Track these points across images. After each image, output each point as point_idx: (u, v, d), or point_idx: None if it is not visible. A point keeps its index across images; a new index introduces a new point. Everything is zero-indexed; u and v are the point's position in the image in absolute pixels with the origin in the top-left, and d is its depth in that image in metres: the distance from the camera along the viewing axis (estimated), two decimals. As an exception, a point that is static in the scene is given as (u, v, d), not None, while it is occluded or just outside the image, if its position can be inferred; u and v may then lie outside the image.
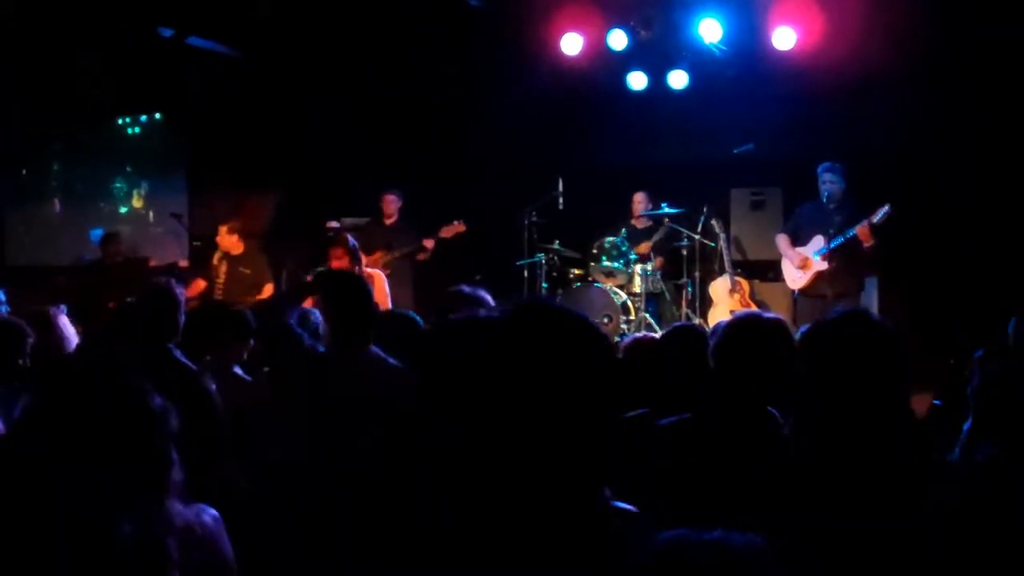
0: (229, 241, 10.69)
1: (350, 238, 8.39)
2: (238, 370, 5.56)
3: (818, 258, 9.26)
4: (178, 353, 4.88)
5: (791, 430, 3.41)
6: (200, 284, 10.32)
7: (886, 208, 8.88)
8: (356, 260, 8.26)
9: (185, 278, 10.42)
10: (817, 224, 9.35)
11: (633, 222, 11.22)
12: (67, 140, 13.36)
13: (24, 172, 13.32)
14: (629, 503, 2.12)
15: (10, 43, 10.53)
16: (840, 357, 2.85)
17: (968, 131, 10.14)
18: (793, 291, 9.72)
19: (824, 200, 9.28)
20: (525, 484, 1.84)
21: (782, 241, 9.66)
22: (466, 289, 5.11)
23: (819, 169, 9.34)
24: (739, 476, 3.11)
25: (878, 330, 2.98)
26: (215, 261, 10.83)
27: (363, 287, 4.86)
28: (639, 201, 11.20)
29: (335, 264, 8.21)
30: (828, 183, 9.27)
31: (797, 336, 4.07)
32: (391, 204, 10.91)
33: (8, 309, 6.85)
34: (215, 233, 10.95)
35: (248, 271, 10.70)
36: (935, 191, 10.24)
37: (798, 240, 9.53)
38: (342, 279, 5.21)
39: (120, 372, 2.48)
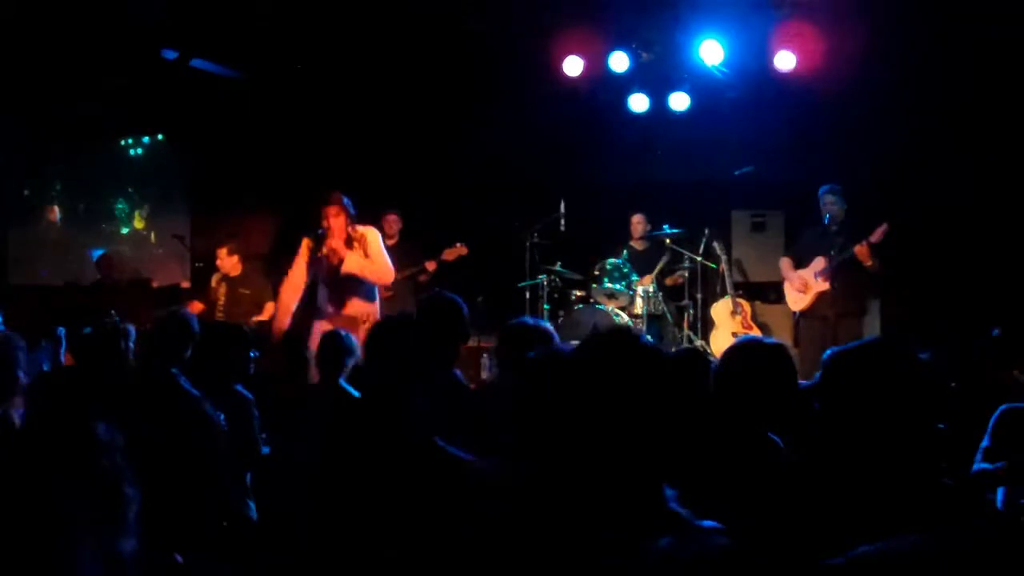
0: (229, 263, 10.72)
1: (343, 197, 8.34)
2: (240, 388, 5.54)
3: (819, 279, 9.27)
4: (183, 379, 4.87)
5: (797, 457, 3.41)
6: (197, 306, 10.30)
7: (884, 227, 8.91)
8: (351, 219, 8.29)
9: (184, 300, 10.44)
10: (819, 246, 9.38)
11: (632, 243, 11.22)
12: (69, 160, 13.38)
13: (26, 192, 13.33)
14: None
15: (14, 63, 10.55)
16: (863, 387, 2.79)
17: (968, 151, 10.16)
18: (795, 312, 9.71)
19: (826, 222, 9.30)
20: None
21: (785, 264, 9.68)
22: (530, 322, 5.06)
23: (820, 191, 9.38)
24: (738, 502, 3.10)
25: (904, 360, 2.94)
26: (214, 283, 10.86)
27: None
28: (637, 222, 11.22)
29: (331, 223, 8.24)
30: (829, 205, 9.30)
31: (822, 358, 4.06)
32: (392, 225, 10.88)
33: (3, 328, 6.84)
34: (215, 255, 10.99)
35: (247, 292, 10.73)
36: (936, 211, 10.24)
37: (801, 263, 9.54)
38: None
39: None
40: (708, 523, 2.14)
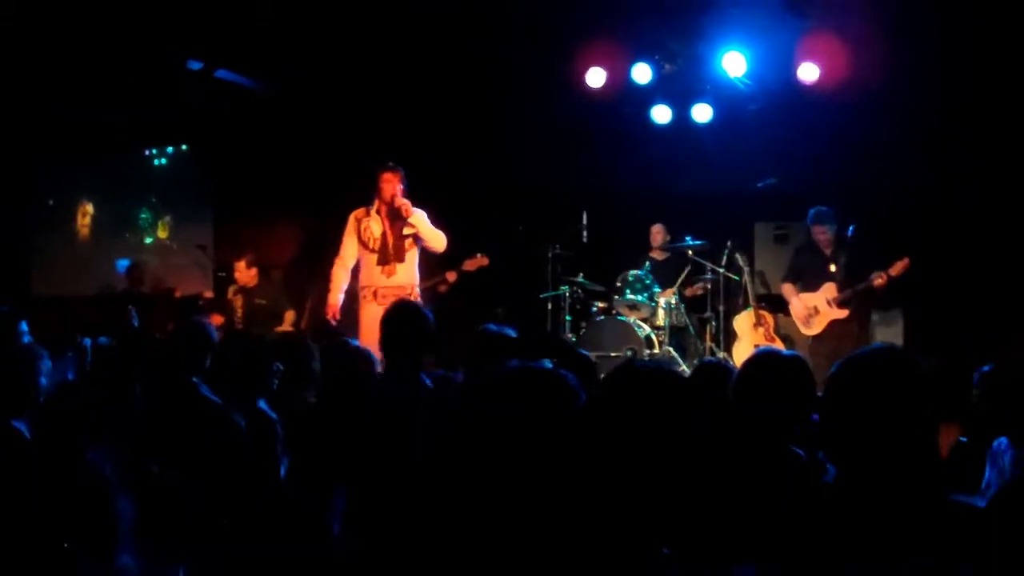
0: (246, 275, 10.78)
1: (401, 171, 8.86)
2: (263, 405, 5.42)
3: (832, 306, 9.30)
4: (204, 388, 4.87)
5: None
6: (217, 319, 10.33)
7: (905, 262, 8.95)
8: (404, 190, 8.80)
9: (205, 310, 10.48)
10: (821, 269, 9.45)
11: (652, 254, 11.21)
12: (93, 171, 13.44)
13: (51, 202, 13.40)
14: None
15: (38, 73, 10.63)
16: (869, 394, 2.79)
17: (995, 166, 10.10)
18: (807, 336, 9.75)
19: (822, 242, 9.40)
20: None
21: (788, 290, 9.73)
22: (493, 328, 5.11)
23: (808, 220, 9.46)
24: (759, 514, 3.08)
25: (908, 366, 2.94)
26: (230, 295, 10.91)
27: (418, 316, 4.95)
28: (657, 232, 11.22)
29: (389, 187, 8.73)
30: (819, 234, 9.40)
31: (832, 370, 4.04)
32: None
33: (30, 340, 6.87)
34: (232, 267, 11.04)
35: (264, 302, 10.77)
36: (961, 221, 10.20)
37: (805, 286, 9.58)
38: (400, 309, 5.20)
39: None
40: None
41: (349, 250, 8.97)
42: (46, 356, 5.70)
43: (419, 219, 8.83)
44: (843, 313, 9.25)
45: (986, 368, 4.88)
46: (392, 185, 8.79)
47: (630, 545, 2.19)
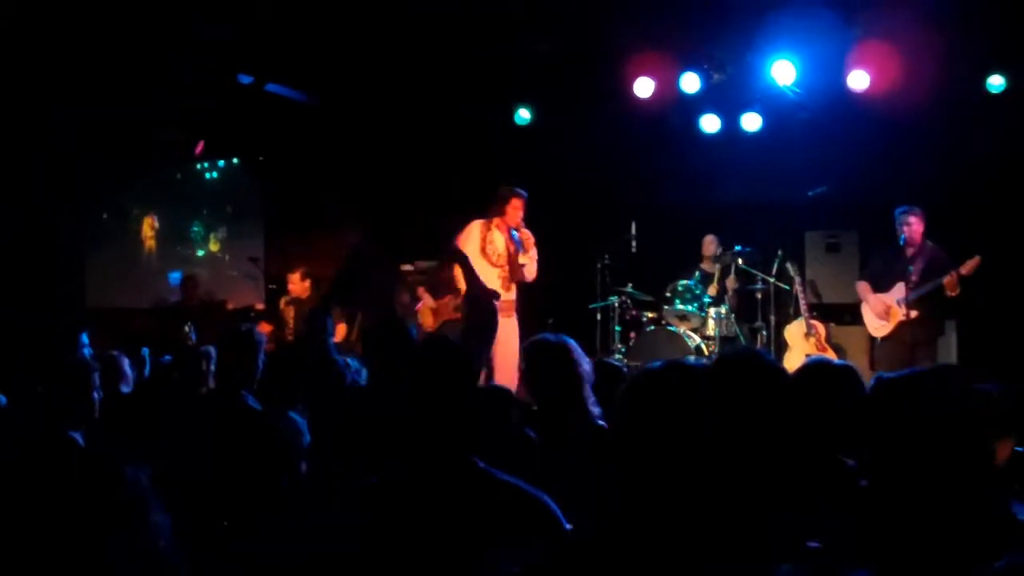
0: (300, 287, 10.87)
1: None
2: (294, 415, 5.45)
3: (901, 306, 9.13)
4: (250, 399, 4.90)
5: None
6: (265, 327, 10.40)
7: (976, 260, 8.78)
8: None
9: (255, 322, 10.56)
10: (896, 270, 9.23)
11: (703, 265, 11.17)
12: (146, 184, 13.59)
13: (104, 216, 13.57)
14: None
15: (93, 90, 10.77)
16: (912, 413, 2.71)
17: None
18: (872, 336, 9.58)
19: (901, 244, 9.16)
20: None
21: (862, 288, 9.54)
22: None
23: (896, 212, 9.23)
24: (807, 524, 3.06)
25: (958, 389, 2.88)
26: (282, 306, 11.00)
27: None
28: (709, 243, 11.18)
29: (514, 212, 9.04)
30: (906, 226, 9.15)
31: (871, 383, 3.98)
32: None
33: (91, 351, 6.98)
34: (286, 279, 11.13)
35: (313, 312, 10.82)
36: (1012, 231, 10.08)
37: (877, 286, 9.40)
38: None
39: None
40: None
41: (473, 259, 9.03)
42: (127, 362, 5.80)
43: (534, 255, 9.11)
44: (912, 315, 9.09)
45: None
46: (519, 212, 9.05)
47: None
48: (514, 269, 9.02)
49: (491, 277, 8.77)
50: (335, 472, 4.30)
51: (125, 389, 5.72)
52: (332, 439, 4.61)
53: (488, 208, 9.13)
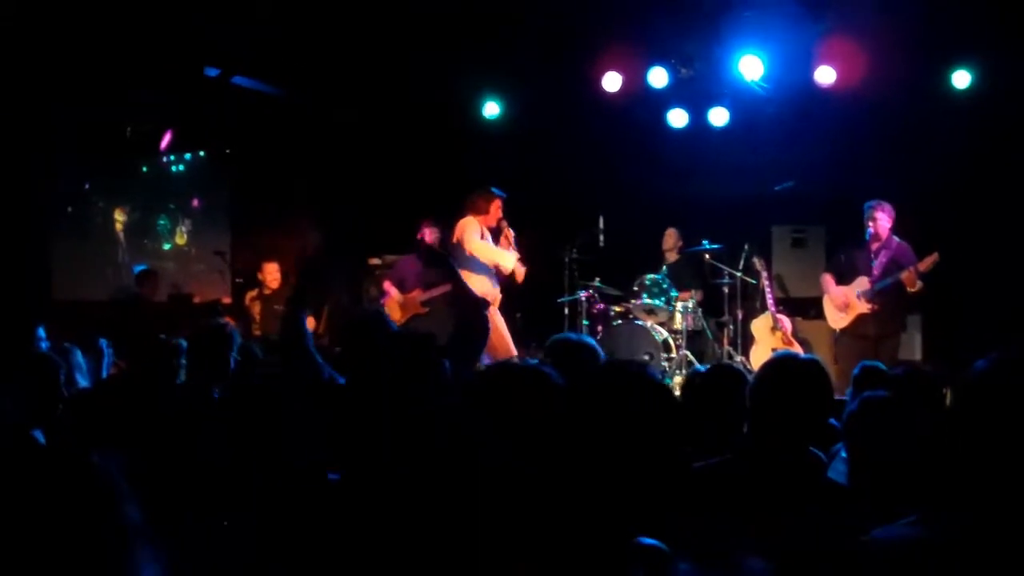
0: (275, 279, 10.88)
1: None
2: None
3: (861, 300, 9.18)
4: (216, 392, 4.88)
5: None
6: (229, 322, 10.33)
7: (935, 256, 8.83)
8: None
9: (218, 316, 10.52)
10: (860, 263, 9.28)
11: (666, 258, 11.22)
12: (112, 177, 13.50)
13: (70, 209, 13.46)
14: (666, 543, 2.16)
15: (58, 83, 10.69)
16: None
17: (1013, 166, 10.05)
18: (834, 330, 9.63)
19: (867, 238, 9.21)
20: None
21: (826, 279, 9.59)
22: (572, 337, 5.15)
23: (865, 205, 9.27)
24: (777, 518, 3.08)
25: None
26: (247, 301, 10.96)
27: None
28: (670, 236, 11.24)
29: (498, 212, 9.27)
30: (872, 221, 9.19)
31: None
32: (429, 236, 10.74)
33: (48, 345, 6.91)
34: (257, 270, 11.08)
35: (282, 308, 10.80)
36: (978, 226, 10.16)
37: (842, 279, 9.45)
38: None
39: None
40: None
41: (479, 251, 9.20)
42: (79, 354, 5.75)
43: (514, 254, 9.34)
44: (869, 308, 9.14)
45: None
46: (499, 212, 9.28)
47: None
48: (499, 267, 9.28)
49: (489, 274, 9.14)
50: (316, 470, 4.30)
51: (82, 381, 5.66)
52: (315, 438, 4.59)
53: (467, 208, 9.22)
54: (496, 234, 9.27)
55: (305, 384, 4.96)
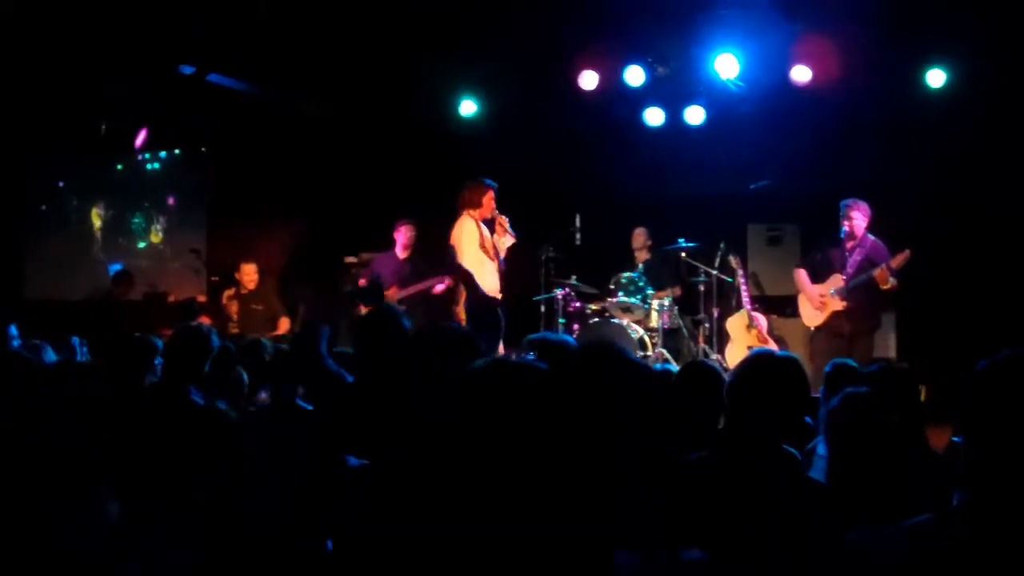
0: (254, 279, 10.85)
1: None
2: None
3: (836, 297, 9.22)
4: (195, 395, 4.85)
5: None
6: (205, 321, 10.30)
7: (906, 253, 8.87)
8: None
9: (193, 314, 10.48)
10: (834, 261, 9.32)
11: (636, 256, 11.24)
12: (87, 175, 13.42)
13: (44, 208, 13.38)
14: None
15: (32, 79, 10.61)
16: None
17: (988, 165, 10.11)
18: (810, 328, 9.67)
19: (842, 236, 9.24)
20: None
21: (800, 276, 9.61)
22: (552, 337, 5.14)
23: (841, 204, 9.30)
24: (750, 514, 3.09)
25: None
26: (225, 300, 10.92)
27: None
28: (639, 235, 11.26)
29: (491, 203, 9.05)
30: (847, 219, 9.22)
31: (823, 370, 4.06)
32: (406, 235, 10.73)
33: (20, 343, 6.88)
34: (235, 269, 11.05)
35: (260, 307, 10.84)
36: (952, 224, 10.21)
37: (816, 276, 9.49)
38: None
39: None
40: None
41: (473, 256, 8.97)
42: (50, 350, 5.74)
43: (509, 239, 9.16)
44: (844, 305, 9.18)
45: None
46: (493, 203, 9.06)
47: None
48: (499, 259, 9.09)
49: (489, 271, 8.90)
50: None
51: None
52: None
53: (460, 202, 9.05)
54: (491, 225, 9.09)
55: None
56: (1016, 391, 2.14)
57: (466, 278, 8.48)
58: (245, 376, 5.82)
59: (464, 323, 8.22)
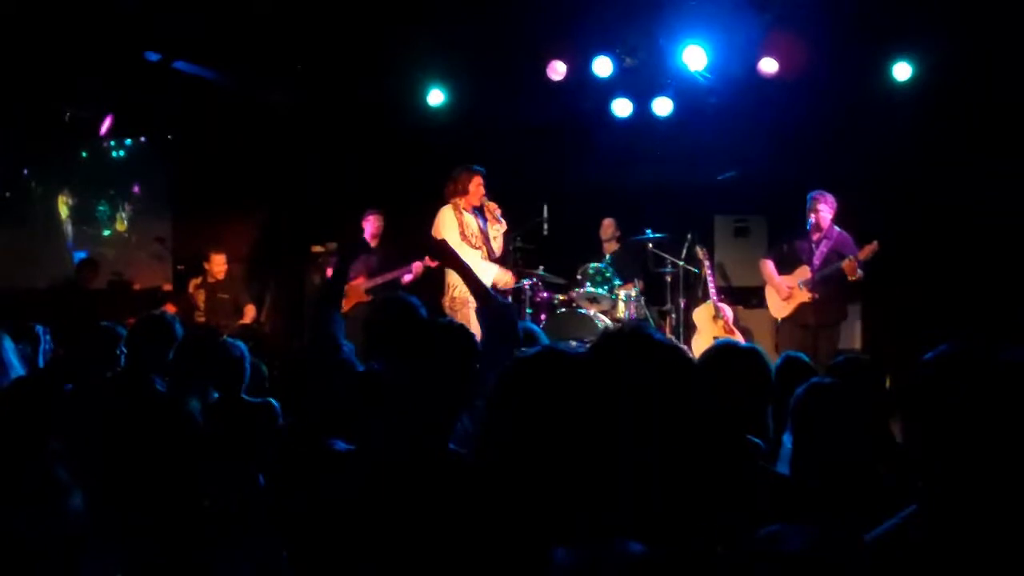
0: (223, 269, 10.80)
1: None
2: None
3: (803, 289, 9.27)
4: (159, 383, 4.82)
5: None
6: (171, 309, 10.23)
7: (874, 245, 8.92)
8: None
9: (159, 303, 10.43)
10: (802, 253, 9.36)
11: (604, 247, 11.26)
12: (51, 163, 13.29)
13: (7, 194, 13.24)
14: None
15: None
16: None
17: (954, 156, 10.16)
18: (776, 319, 9.71)
19: (808, 228, 9.28)
20: None
21: (767, 267, 9.66)
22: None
23: (808, 196, 9.34)
24: (714, 506, 3.09)
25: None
26: (191, 289, 10.86)
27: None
28: (607, 226, 11.28)
29: (478, 189, 8.80)
30: (813, 212, 9.26)
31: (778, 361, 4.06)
32: (374, 225, 10.67)
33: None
34: (203, 258, 10.99)
35: (226, 296, 10.79)
36: (918, 216, 10.27)
37: (782, 267, 9.53)
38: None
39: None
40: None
41: (454, 246, 8.74)
42: (7, 339, 5.67)
43: (502, 228, 9.00)
44: (810, 297, 9.22)
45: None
46: (481, 188, 8.84)
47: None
48: (490, 247, 8.90)
49: (474, 260, 8.50)
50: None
51: (12, 367, 5.56)
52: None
53: (447, 190, 8.90)
54: (480, 212, 8.93)
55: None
56: (950, 386, 2.20)
57: (466, 278, 8.33)
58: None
59: (458, 321, 8.04)
